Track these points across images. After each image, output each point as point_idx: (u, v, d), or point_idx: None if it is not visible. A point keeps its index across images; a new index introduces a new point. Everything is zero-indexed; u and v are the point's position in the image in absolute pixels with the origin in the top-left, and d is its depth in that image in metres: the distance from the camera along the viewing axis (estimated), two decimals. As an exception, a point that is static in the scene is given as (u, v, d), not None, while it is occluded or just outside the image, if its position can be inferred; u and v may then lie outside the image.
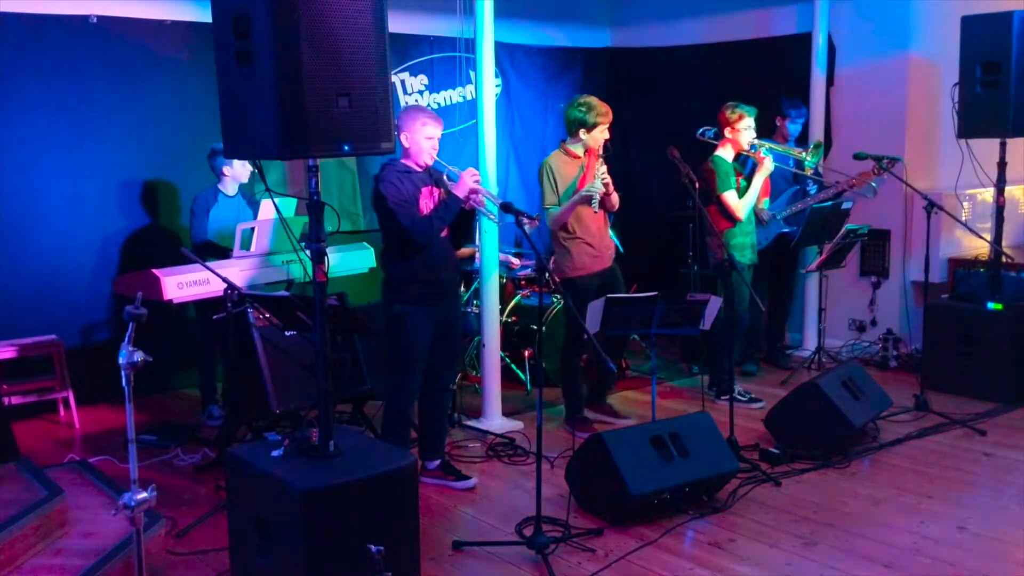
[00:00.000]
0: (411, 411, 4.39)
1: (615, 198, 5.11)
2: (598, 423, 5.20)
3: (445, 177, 4.33)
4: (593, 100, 5.03)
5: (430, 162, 4.22)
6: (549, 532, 3.77)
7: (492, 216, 4.48)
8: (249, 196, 5.62)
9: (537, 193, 5.15)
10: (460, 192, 4.15)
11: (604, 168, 4.99)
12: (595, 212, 5.03)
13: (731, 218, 5.56)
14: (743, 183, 5.62)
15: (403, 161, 4.24)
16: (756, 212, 6.04)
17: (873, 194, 5.98)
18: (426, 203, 4.22)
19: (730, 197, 5.51)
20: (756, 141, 5.56)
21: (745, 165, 5.96)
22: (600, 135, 5.02)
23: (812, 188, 6.27)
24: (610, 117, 5.03)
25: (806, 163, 5.71)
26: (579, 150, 5.07)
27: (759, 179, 5.59)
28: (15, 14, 5.51)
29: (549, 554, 3.65)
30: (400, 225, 4.11)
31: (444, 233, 4.27)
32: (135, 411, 2.73)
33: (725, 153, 5.59)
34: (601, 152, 5.06)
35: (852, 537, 3.86)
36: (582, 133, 5.01)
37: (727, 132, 5.56)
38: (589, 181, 4.94)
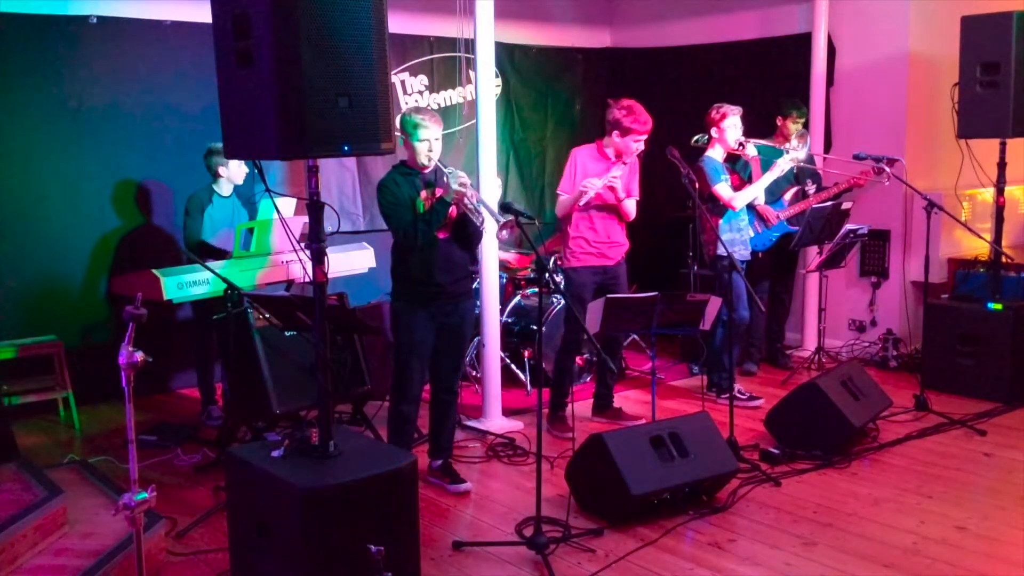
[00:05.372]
0: (410, 410, 4.39)
1: (628, 206, 5.10)
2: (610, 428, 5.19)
3: (446, 179, 4.29)
4: (637, 107, 4.96)
5: (427, 163, 4.19)
6: (549, 532, 3.76)
7: (474, 217, 4.26)
8: (246, 196, 5.62)
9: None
10: (446, 195, 4.11)
11: (619, 173, 4.96)
12: (597, 210, 5.02)
13: (720, 213, 5.57)
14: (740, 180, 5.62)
15: (406, 163, 4.25)
16: (762, 213, 6.05)
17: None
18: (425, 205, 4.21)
19: (722, 189, 5.52)
20: (742, 139, 5.57)
21: (745, 169, 5.97)
22: (632, 143, 4.96)
23: (812, 188, 6.27)
24: (647, 129, 4.95)
25: (794, 154, 5.68)
26: (610, 151, 5.06)
27: (768, 177, 5.61)
28: (15, 14, 5.51)
29: (549, 554, 3.65)
30: (391, 228, 4.17)
31: (443, 235, 4.23)
32: (135, 411, 2.73)
33: (715, 153, 5.61)
34: (628, 161, 5.02)
35: (852, 537, 3.86)
36: (615, 135, 4.98)
37: (713, 132, 5.58)
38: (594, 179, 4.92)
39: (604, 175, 4.95)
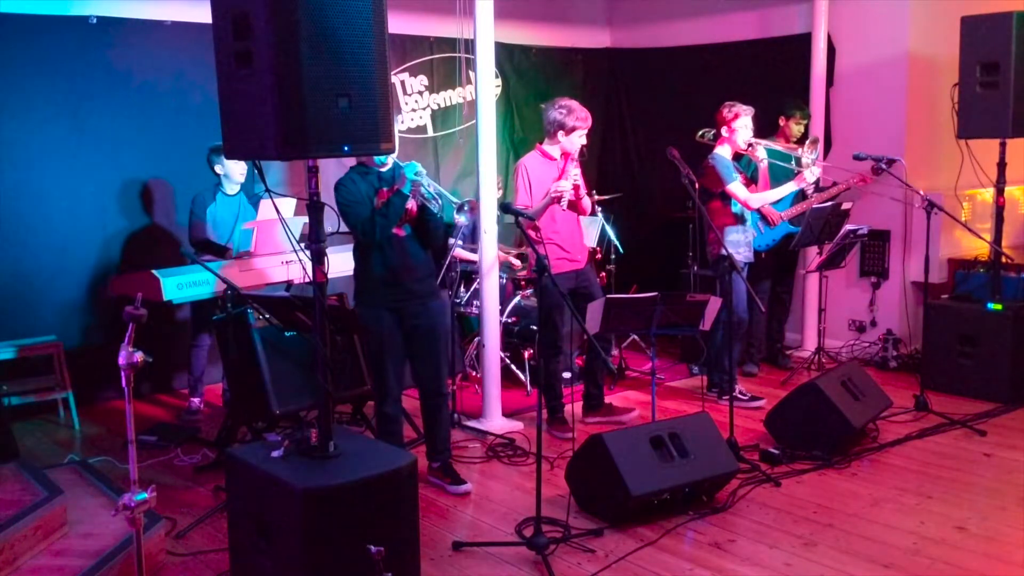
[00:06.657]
0: (394, 410, 4.37)
1: (586, 202, 5.14)
2: (606, 425, 5.19)
3: (402, 173, 4.20)
4: (574, 104, 5.00)
5: (387, 161, 4.18)
6: (549, 533, 3.76)
7: (432, 204, 4.23)
8: (252, 195, 5.62)
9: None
10: (402, 186, 4.09)
11: (577, 171, 4.97)
12: (563, 210, 5.00)
13: (731, 214, 5.57)
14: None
15: (363, 161, 4.22)
16: (765, 213, 6.05)
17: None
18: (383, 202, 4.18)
19: (736, 189, 5.53)
20: (753, 140, 5.59)
21: (749, 167, 5.97)
22: (577, 139, 4.99)
23: (812, 188, 6.26)
24: (589, 123, 5.00)
25: (804, 159, 5.72)
26: (555, 152, 5.06)
27: (788, 186, 5.69)
28: (15, 14, 5.51)
29: (549, 555, 3.65)
30: (349, 225, 4.14)
31: (402, 233, 4.22)
32: (135, 411, 2.73)
33: (723, 151, 5.62)
34: (576, 157, 5.04)
35: (852, 537, 3.86)
36: (560, 135, 4.99)
37: (724, 131, 5.61)
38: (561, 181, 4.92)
39: (560, 176, 4.95)
